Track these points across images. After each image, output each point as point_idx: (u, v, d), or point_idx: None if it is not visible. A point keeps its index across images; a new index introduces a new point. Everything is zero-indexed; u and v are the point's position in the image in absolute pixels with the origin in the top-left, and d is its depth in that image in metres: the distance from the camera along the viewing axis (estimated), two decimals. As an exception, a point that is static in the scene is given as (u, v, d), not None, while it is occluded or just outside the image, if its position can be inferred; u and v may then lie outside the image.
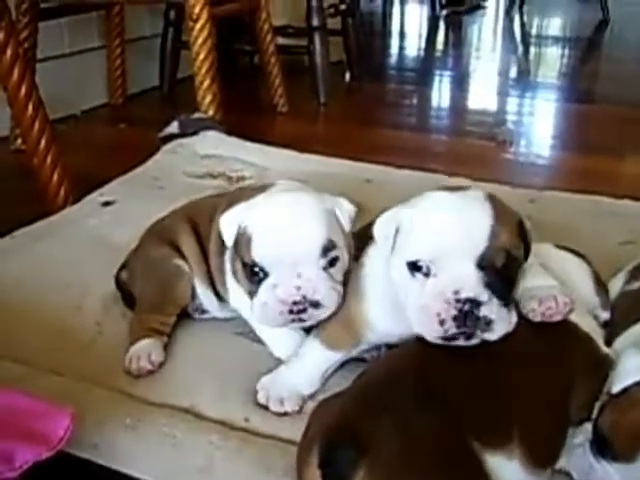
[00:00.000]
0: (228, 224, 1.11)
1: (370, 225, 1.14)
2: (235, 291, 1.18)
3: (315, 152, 2.02)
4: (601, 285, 1.17)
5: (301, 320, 1.06)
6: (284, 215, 1.06)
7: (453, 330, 0.90)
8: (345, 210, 1.12)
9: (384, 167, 1.97)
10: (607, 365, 0.98)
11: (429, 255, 0.91)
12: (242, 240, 1.07)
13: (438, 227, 0.91)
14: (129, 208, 1.67)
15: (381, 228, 0.99)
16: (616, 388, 0.90)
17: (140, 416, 1.02)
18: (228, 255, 1.16)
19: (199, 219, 1.26)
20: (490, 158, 2.44)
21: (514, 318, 0.94)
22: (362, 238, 1.11)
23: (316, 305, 1.05)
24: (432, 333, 0.91)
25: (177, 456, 0.97)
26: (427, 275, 0.92)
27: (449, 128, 2.95)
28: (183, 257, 1.24)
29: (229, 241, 1.11)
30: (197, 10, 2.15)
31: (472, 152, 2.50)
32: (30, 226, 1.58)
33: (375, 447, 0.79)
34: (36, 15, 2.33)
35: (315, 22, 2.93)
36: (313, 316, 1.06)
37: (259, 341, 1.19)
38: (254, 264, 1.06)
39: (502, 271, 0.91)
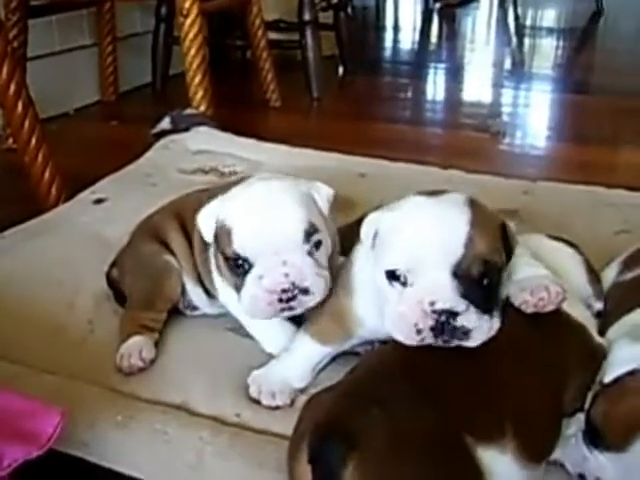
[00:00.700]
0: (206, 219, 1.10)
1: (360, 220, 1.14)
2: (222, 287, 1.18)
3: (308, 147, 2.01)
4: (594, 275, 1.17)
5: (291, 309, 1.05)
6: (261, 203, 1.05)
7: (430, 339, 0.89)
8: (323, 193, 1.11)
9: (378, 160, 1.97)
10: (601, 355, 0.98)
11: (405, 265, 0.90)
12: (222, 233, 1.06)
13: (413, 236, 0.90)
14: (121, 205, 1.66)
15: (364, 228, 0.98)
16: (608, 378, 0.90)
17: (132, 413, 1.01)
18: (211, 251, 1.16)
19: (186, 215, 1.25)
20: (485, 150, 2.43)
21: (496, 324, 0.92)
22: (353, 233, 1.10)
23: (305, 292, 1.04)
24: (409, 340, 0.90)
25: (168, 453, 0.96)
26: (404, 284, 0.91)
27: (443, 121, 2.94)
28: (172, 253, 1.24)
29: (208, 236, 1.11)
30: (187, 5, 2.15)
31: (467, 144, 2.50)
32: (22, 225, 1.58)
33: (365, 442, 0.78)
34: (26, 13, 2.32)
35: (307, 16, 2.92)
36: (302, 303, 1.05)
37: (250, 336, 1.19)
38: (237, 256, 1.04)
39: (480, 279, 0.90)
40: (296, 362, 1.09)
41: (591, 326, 1.04)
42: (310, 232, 1.05)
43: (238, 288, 1.07)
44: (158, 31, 3.00)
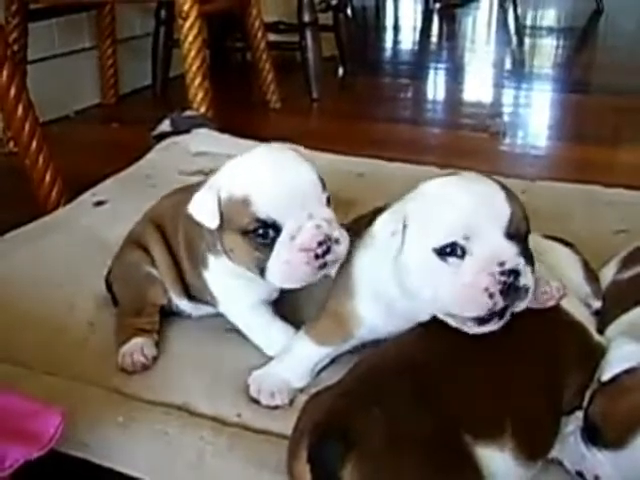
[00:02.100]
0: (203, 206, 1.04)
1: (360, 219, 1.14)
2: (221, 292, 1.16)
3: (308, 147, 2.01)
4: (591, 273, 1.17)
5: (325, 265, 1.00)
6: (270, 164, 1.01)
7: (501, 303, 0.89)
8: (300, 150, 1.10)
9: (376, 160, 1.97)
10: (599, 353, 0.97)
11: (463, 234, 0.89)
12: (233, 209, 1.01)
13: (463, 205, 0.90)
14: (122, 207, 1.66)
15: (385, 226, 0.95)
16: (606, 376, 0.90)
17: (132, 414, 1.02)
18: (214, 241, 1.09)
19: (163, 222, 1.23)
20: (485, 150, 2.44)
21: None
22: (352, 232, 1.10)
23: (337, 241, 1.00)
24: (480, 310, 0.89)
25: (169, 453, 0.97)
26: (462, 255, 0.90)
27: (443, 121, 2.95)
28: (154, 264, 1.22)
29: (213, 221, 1.03)
30: (186, 8, 2.15)
31: (467, 144, 2.50)
32: (23, 227, 1.58)
33: (364, 441, 0.79)
34: (26, 16, 2.33)
35: (306, 18, 2.92)
36: (337, 254, 1.01)
37: (250, 336, 1.19)
38: (261, 224, 0.99)
39: (526, 238, 0.92)
40: (295, 362, 1.09)
41: (590, 324, 1.05)
42: (323, 181, 1.03)
43: (262, 264, 1.02)
44: (158, 34, 3.01)
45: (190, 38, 2.17)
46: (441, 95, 3.47)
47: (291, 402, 1.06)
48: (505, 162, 2.30)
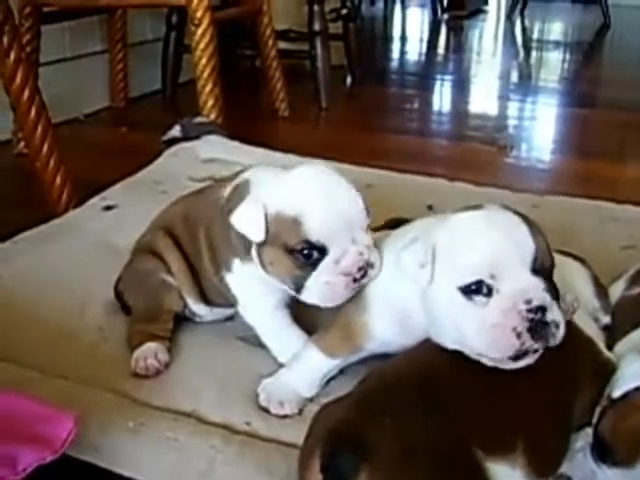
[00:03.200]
0: (250, 218, 1.05)
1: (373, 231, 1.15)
2: (244, 297, 1.17)
3: (316, 156, 2.01)
4: (601, 289, 1.18)
5: (360, 285, 1.03)
6: (321, 187, 1.02)
7: (529, 342, 0.87)
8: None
9: (385, 172, 1.97)
10: (609, 370, 0.98)
11: (489, 272, 0.88)
12: (281, 226, 1.02)
13: (490, 243, 0.90)
14: (131, 212, 1.66)
15: (414, 257, 0.94)
16: (616, 393, 0.90)
17: (143, 420, 1.02)
18: (252, 253, 1.09)
19: (174, 228, 1.24)
20: (492, 163, 2.44)
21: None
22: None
23: (372, 265, 1.03)
24: (507, 351, 0.88)
25: (179, 460, 0.97)
26: (489, 294, 0.89)
27: (451, 133, 2.95)
28: (169, 271, 1.23)
29: (259, 235, 1.04)
30: (199, 14, 2.16)
31: (474, 157, 2.50)
32: (32, 230, 1.58)
33: (377, 452, 0.79)
34: (39, 19, 2.34)
35: (317, 27, 2.93)
36: (371, 277, 1.03)
37: (260, 345, 1.19)
38: (309, 245, 1.01)
39: (550, 272, 0.92)
40: (304, 372, 1.09)
41: (599, 340, 1.05)
42: (367, 208, 1.05)
43: (300, 282, 1.04)
44: (169, 39, 3.02)
45: (202, 45, 2.17)
46: (448, 107, 3.48)
47: (300, 411, 1.07)
48: (512, 175, 2.31)
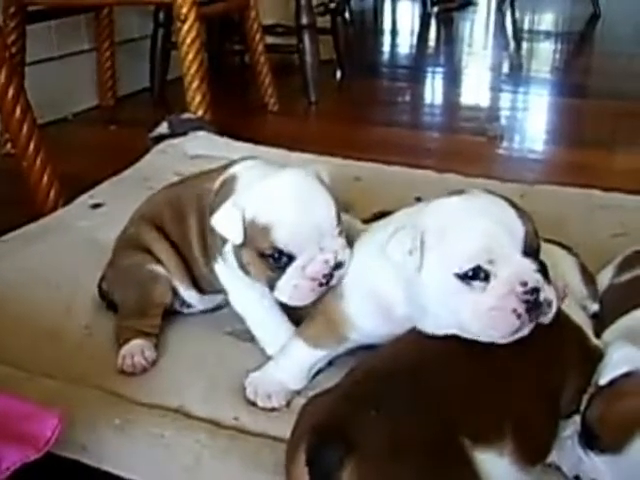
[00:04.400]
0: (228, 221, 1.08)
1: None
2: (235, 289, 1.19)
3: (305, 151, 2.01)
4: (588, 276, 1.18)
5: (328, 285, 1.07)
6: (293, 196, 1.06)
7: (527, 321, 0.90)
8: (324, 173, 1.14)
9: (374, 164, 1.96)
10: (597, 357, 0.98)
11: (487, 257, 0.90)
12: (255, 231, 1.06)
13: (484, 228, 0.91)
14: (119, 210, 1.64)
15: (401, 244, 0.94)
16: (603, 380, 0.90)
17: (129, 417, 1.02)
18: (229, 251, 1.14)
19: (160, 219, 1.26)
20: (483, 154, 2.44)
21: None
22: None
23: (339, 266, 1.07)
24: (506, 332, 0.90)
25: (165, 456, 0.97)
26: (486, 278, 0.90)
27: (441, 124, 2.95)
28: (158, 261, 1.23)
29: (237, 238, 1.08)
30: (185, 10, 2.15)
31: (464, 148, 2.50)
32: (20, 229, 1.58)
33: (363, 444, 0.79)
34: (24, 18, 2.33)
35: (304, 21, 2.93)
36: (338, 278, 1.07)
37: (248, 340, 1.19)
38: (277, 252, 1.05)
39: (538, 253, 0.94)
40: (291, 365, 1.09)
41: (588, 328, 1.05)
42: (339, 213, 1.08)
43: (272, 282, 1.08)
44: (156, 36, 3.01)
45: (188, 41, 2.17)
46: (439, 99, 3.48)
47: (288, 404, 1.07)
48: (503, 166, 2.31)
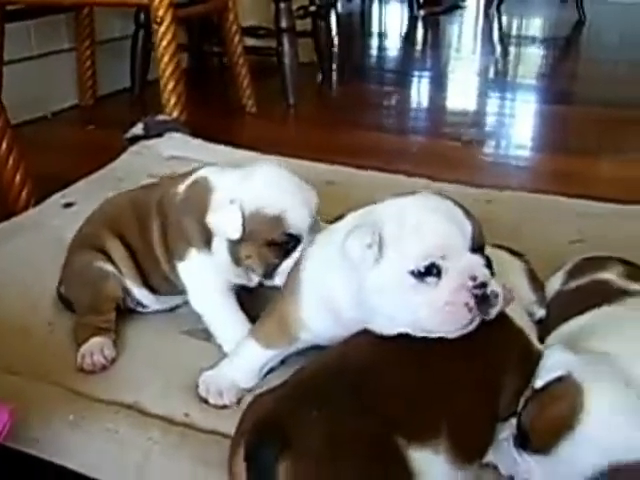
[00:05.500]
0: (229, 218, 1.15)
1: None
2: (195, 288, 1.23)
3: (281, 153, 2.02)
4: (537, 282, 1.20)
5: None
6: (291, 184, 1.18)
7: (477, 315, 0.93)
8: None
9: (347, 168, 1.98)
10: (537, 361, 0.99)
11: (440, 254, 0.93)
12: (259, 223, 1.14)
13: (437, 226, 0.94)
14: (90, 209, 1.67)
15: (360, 239, 0.95)
16: (539, 384, 0.92)
17: (85, 413, 1.04)
18: (224, 247, 1.19)
19: (119, 221, 1.30)
20: (465, 159, 2.45)
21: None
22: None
23: None
24: (458, 325, 0.93)
25: (117, 451, 0.99)
26: (438, 274, 0.93)
27: (421, 129, 2.96)
28: (109, 259, 1.27)
29: (237, 233, 1.15)
30: (161, 13, 2.16)
31: (447, 153, 2.50)
32: (-9, 228, 1.60)
33: (299, 441, 0.81)
34: (2, 17, 2.34)
35: (284, 24, 2.94)
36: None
37: (204, 339, 1.22)
38: (289, 238, 1.15)
39: (484, 249, 0.98)
40: (243, 364, 1.12)
41: (531, 331, 1.07)
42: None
43: (273, 269, 1.17)
44: (137, 37, 3.03)
45: (164, 43, 2.18)
46: (422, 103, 3.49)
47: (239, 402, 1.09)
48: (485, 172, 2.31)
